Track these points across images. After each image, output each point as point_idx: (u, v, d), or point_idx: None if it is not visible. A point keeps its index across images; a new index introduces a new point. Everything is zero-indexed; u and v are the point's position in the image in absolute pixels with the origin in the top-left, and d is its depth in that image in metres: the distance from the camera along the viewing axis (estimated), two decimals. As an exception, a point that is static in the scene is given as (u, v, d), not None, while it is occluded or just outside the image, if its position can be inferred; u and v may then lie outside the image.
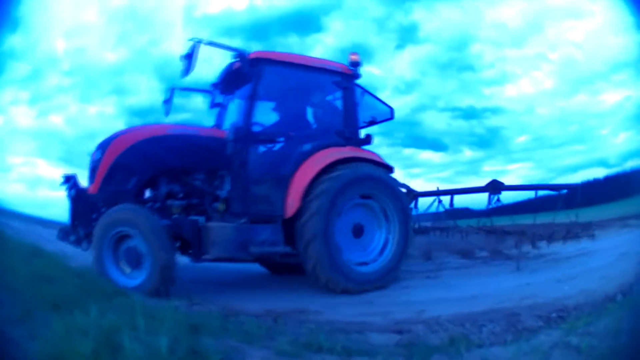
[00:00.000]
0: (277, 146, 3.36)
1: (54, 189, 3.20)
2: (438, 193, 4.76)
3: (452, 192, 4.68)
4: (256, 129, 3.23)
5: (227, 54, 3.15)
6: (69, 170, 3.17)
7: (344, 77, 3.47)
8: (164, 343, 1.33)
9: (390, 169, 3.52)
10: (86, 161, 3.14)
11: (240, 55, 3.11)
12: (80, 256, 2.85)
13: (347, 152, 3.32)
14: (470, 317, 1.99)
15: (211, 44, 3.03)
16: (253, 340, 1.47)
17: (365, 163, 3.33)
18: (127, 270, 2.70)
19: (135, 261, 2.69)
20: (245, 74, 3.12)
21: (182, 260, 3.01)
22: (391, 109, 3.98)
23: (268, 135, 3.32)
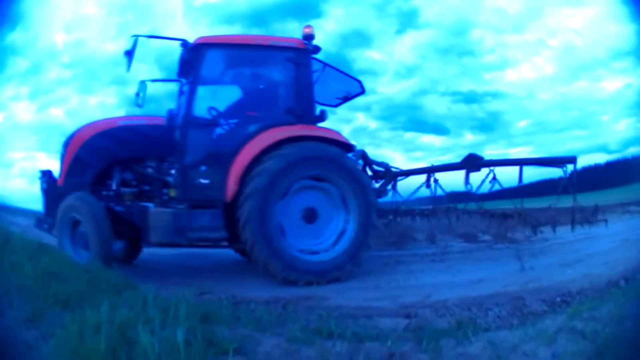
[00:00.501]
0: (222, 129, 3.39)
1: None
2: (415, 172, 4.35)
3: (429, 170, 4.23)
4: (198, 113, 3.27)
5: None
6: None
7: (297, 52, 3.35)
8: (181, 335, 1.37)
9: (349, 148, 3.35)
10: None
11: (183, 44, 3.24)
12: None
13: (294, 130, 3.19)
14: (476, 300, 2.06)
15: (152, 37, 3.22)
16: (264, 328, 1.52)
17: (318, 142, 3.16)
18: (82, 251, 3.00)
19: (85, 243, 3.00)
20: (190, 61, 3.24)
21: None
22: (359, 82, 3.97)
23: (208, 120, 3.32)
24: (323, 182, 3.19)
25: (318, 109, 3.47)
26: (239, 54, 3.49)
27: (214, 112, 3.39)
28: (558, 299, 2.42)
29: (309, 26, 3.45)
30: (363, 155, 3.97)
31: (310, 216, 3.20)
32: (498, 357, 1.69)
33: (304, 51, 3.36)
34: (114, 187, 3.30)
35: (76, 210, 3.04)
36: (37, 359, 1.65)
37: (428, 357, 1.63)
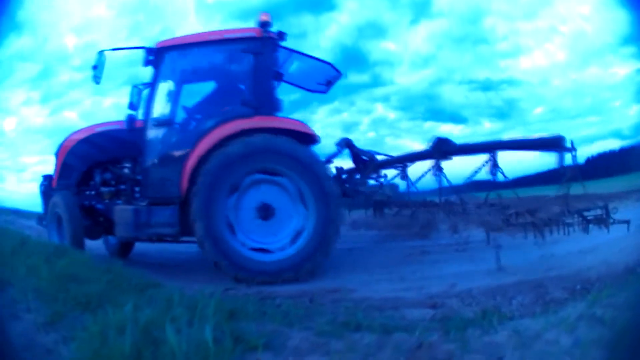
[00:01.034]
0: (182, 128, 3.57)
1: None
2: (393, 161, 4.11)
3: (400, 160, 4.04)
4: (159, 115, 3.50)
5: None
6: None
7: (254, 42, 3.37)
8: (209, 333, 1.38)
9: (311, 139, 3.30)
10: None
11: (145, 50, 3.50)
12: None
13: (244, 124, 3.21)
14: (500, 289, 2.10)
15: (117, 49, 3.57)
16: (292, 322, 1.55)
17: (270, 134, 3.15)
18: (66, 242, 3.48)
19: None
20: (152, 65, 3.49)
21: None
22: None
23: (167, 120, 3.52)
24: (277, 176, 3.16)
25: (305, 96, 3.73)
26: (198, 52, 3.61)
27: (173, 112, 3.61)
28: (578, 287, 2.46)
29: (265, 13, 3.47)
30: (348, 143, 3.84)
31: (266, 213, 3.19)
32: (523, 345, 1.72)
33: (261, 40, 3.36)
34: (95, 187, 3.73)
35: (58, 207, 3.58)
36: (57, 363, 1.66)
37: (455, 347, 1.66)
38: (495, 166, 3.41)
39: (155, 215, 3.28)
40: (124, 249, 4.16)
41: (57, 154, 3.86)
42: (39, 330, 1.80)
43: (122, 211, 3.42)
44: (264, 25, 3.38)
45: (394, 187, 3.44)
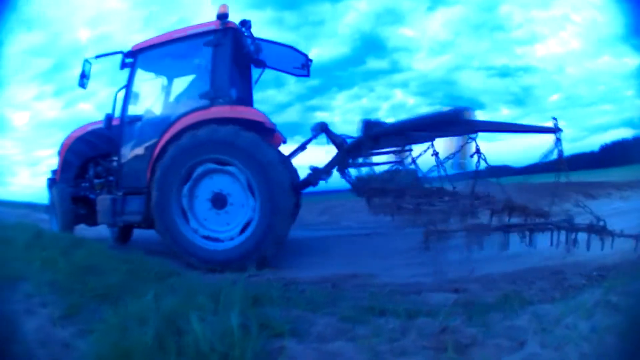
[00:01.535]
0: (152, 123, 3.85)
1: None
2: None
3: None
4: (131, 113, 3.90)
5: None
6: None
7: (214, 34, 3.58)
8: (235, 320, 1.41)
9: (261, 128, 3.45)
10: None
11: (122, 54, 3.92)
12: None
13: (196, 116, 3.44)
14: (519, 274, 2.15)
15: (99, 56, 3.96)
16: (316, 308, 1.58)
17: (220, 124, 3.32)
18: None
19: None
20: (128, 67, 3.91)
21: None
22: (293, 48, 4.26)
23: (138, 117, 3.90)
24: (228, 166, 3.32)
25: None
26: (167, 50, 3.92)
27: (146, 110, 4.01)
28: (595, 273, 2.51)
29: (223, 5, 3.65)
30: (323, 128, 3.79)
31: (218, 202, 3.38)
32: (543, 329, 1.76)
33: (219, 32, 3.57)
34: (89, 179, 4.26)
35: (54, 197, 4.15)
36: (74, 357, 1.67)
37: (478, 331, 1.70)
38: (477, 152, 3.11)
39: (127, 204, 3.70)
40: (123, 235, 4.68)
41: (59, 152, 4.39)
42: (55, 324, 1.82)
43: (102, 200, 3.87)
44: (222, 17, 3.57)
45: (411, 172, 3.28)
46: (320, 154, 3.83)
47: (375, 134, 3.33)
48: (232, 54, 3.63)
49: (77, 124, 4.51)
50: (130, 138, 3.89)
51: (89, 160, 4.28)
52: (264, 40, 4.03)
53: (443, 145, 3.12)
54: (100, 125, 4.03)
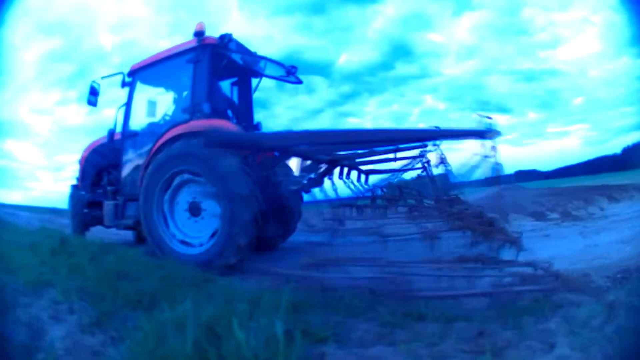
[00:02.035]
0: (146, 137, 4.31)
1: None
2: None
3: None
4: (131, 129, 4.46)
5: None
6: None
7: (194, 51, 3.99)
8: (280, 327, 1.45)
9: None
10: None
11: (122, 74, 4.50)
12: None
13: (176, 130, 3.85)
14: (549, 278, 2.21)
15: (105, 77, 4.63)
16: (356, 314, 1.64)
17: (194, 137, 3.59)
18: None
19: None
20: (129, 86, 4.50)
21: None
22: (268, 59, 4.56)
23: (134, 132, 4.44)
24: (199, 176, 3.66)
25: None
26: (160, 69, 4.39)
27: (142, 125, 4.50)
28: (619, 276, 2.59)
29: (200, 23, 4.05)
30: None
31: (194, 210, 3.75)
32: (572, 332, 1.83)
33: (199, 48, 3.97)
34: (102, 186, 4.77)
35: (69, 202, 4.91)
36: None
37: (513, 334, 1.77)
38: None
39: (126, 209, 4.27)
40: (139, 237, 5.04)
41: (79, 161, 5.06)
42: (83, 331, 1.84)
43: (107, 205, 4.43)
44: (198, 34, 3.97)
45: (441, 177, 3.28)
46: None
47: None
48: (210, 69, 3.99)
49: (102, 130, 4.90)
50: (129, 150, 4.46)
51: (103, 170, 4.85)
52: (243, 52, 4.31)
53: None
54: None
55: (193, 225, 3.72)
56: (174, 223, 3.76)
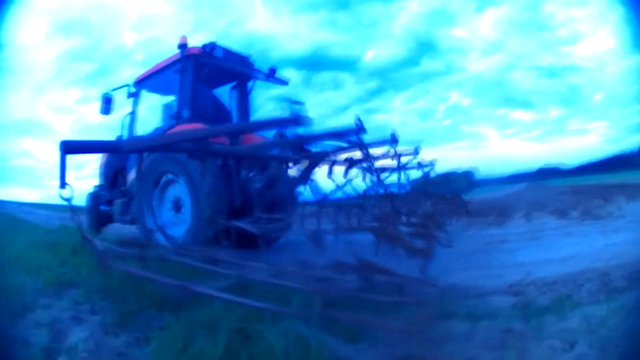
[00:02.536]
0: None
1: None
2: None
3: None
4: (135, 134, 5.09)
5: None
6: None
7: (179, 62, 4.54)
8: (310, 326, 1.51)
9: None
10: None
11: (127, 86, 5.22)
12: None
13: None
14: (571, 277, 2.30)
15: (116, 89, 5.30)
16: (386, 312, 1.70)
17: None
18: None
19: None
20: (133, 96, 5.21)
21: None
22: (247, 60, 5.06)
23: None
24: (177, 176, 4.21)
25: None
26: (158, 79, 5.00)
27: (147, 131, 5.02)
28: (635, 275, 2.68)
29: (182, 36, 4.62)
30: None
31: (177, 206, 4.27)
32: (591, 331, 1.92)
33: (183, 59, 4.54)
34: (117, 187, 5.30)
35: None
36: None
37: (536, 333, 1.85)
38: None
39: (130, 206, 4.80)
40: None
41: (100, 164, 5.67)
42: (107, 332, 1.88)
43: (117, 204, 5.03)
44: (180, 47, 4.55)
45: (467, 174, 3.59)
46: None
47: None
48: (193, 78, 4.54)
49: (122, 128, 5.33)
50: (133, 154, 4.83)
51: (118, 172, 5.39)
52: (220, 61, 4.77)
53: None
54: None
55: (175, 219, 4.23)
56: (160, 216, 4.30)
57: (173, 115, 4.56)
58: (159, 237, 3.99)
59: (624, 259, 2.67)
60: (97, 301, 2.03)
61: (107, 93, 5.25)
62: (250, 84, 5.31)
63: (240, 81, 5.30)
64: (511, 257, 3.08)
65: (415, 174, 5.17)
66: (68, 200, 2.23)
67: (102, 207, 5.29)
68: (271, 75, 5.29)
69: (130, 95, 5.16)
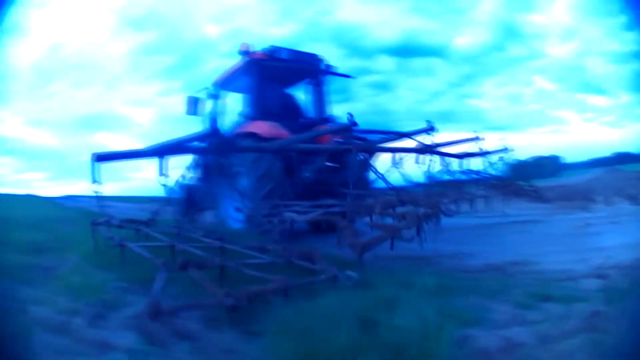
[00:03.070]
0: None
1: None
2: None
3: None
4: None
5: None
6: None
7: (245, 67, 5.36)
8: (432, 311, 1.61)
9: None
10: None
11: (206, 89, 5.92)
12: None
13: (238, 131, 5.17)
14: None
15: (199, 91, 5.87)
16: (493, 295, 1.83)
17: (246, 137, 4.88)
18: None
19: None
20: (213, 98, 5.89)
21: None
22: (312, 57, 5.75)
23: None
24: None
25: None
26: (232, 81, 5.66)
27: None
28: None
29: (243, 44, 5.25)
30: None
31: (243, 194, 4.76)
32: None
33: (246, 65, 5.24)
34: (205, 179, 5.76)
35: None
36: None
37: (618, 315, 2.02)
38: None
39: (212, 196, 5.34)
40: None
41: (190, 161, 6.25)
42: (210, 327, 1.86)
43: (202, 194, 5.61)
44: (242, 54, 5.21)
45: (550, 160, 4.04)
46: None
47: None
48: (258, 80, 5.16)
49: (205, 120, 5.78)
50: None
51: (205, 166, 5.74)
52: (284, 60, 5.36)
53: None
54: None
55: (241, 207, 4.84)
56: (232, 204, 4.86)
57: (242, 114, 5.25)
58: (233, 223, 4.74)
59: None
60: (195, 295, 2.05)
61: (192, 96, 5.76)
62: (319, 80, 5.75)
63: (310, 78, 5.82)
64: (595, 240, 3.32)
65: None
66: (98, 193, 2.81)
67: (191, 197, 5.64)
68: (333, 72, 5.77)
69: (210, 96, 5.79)
